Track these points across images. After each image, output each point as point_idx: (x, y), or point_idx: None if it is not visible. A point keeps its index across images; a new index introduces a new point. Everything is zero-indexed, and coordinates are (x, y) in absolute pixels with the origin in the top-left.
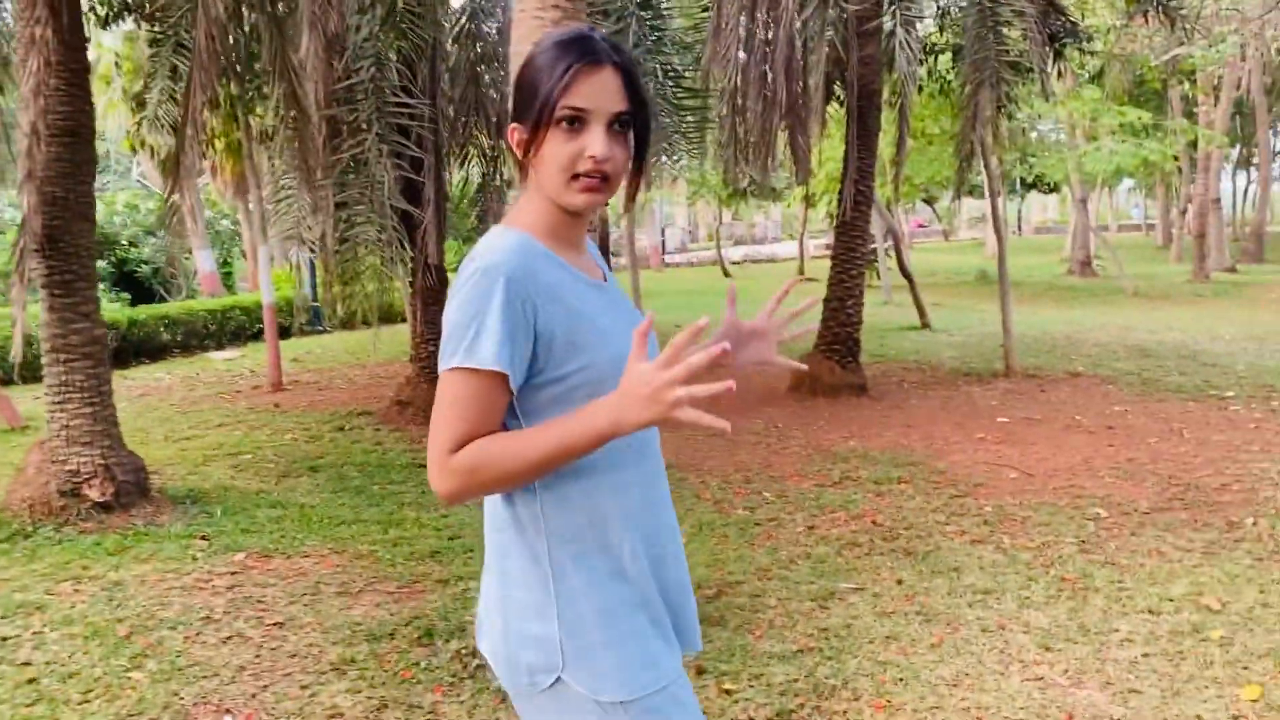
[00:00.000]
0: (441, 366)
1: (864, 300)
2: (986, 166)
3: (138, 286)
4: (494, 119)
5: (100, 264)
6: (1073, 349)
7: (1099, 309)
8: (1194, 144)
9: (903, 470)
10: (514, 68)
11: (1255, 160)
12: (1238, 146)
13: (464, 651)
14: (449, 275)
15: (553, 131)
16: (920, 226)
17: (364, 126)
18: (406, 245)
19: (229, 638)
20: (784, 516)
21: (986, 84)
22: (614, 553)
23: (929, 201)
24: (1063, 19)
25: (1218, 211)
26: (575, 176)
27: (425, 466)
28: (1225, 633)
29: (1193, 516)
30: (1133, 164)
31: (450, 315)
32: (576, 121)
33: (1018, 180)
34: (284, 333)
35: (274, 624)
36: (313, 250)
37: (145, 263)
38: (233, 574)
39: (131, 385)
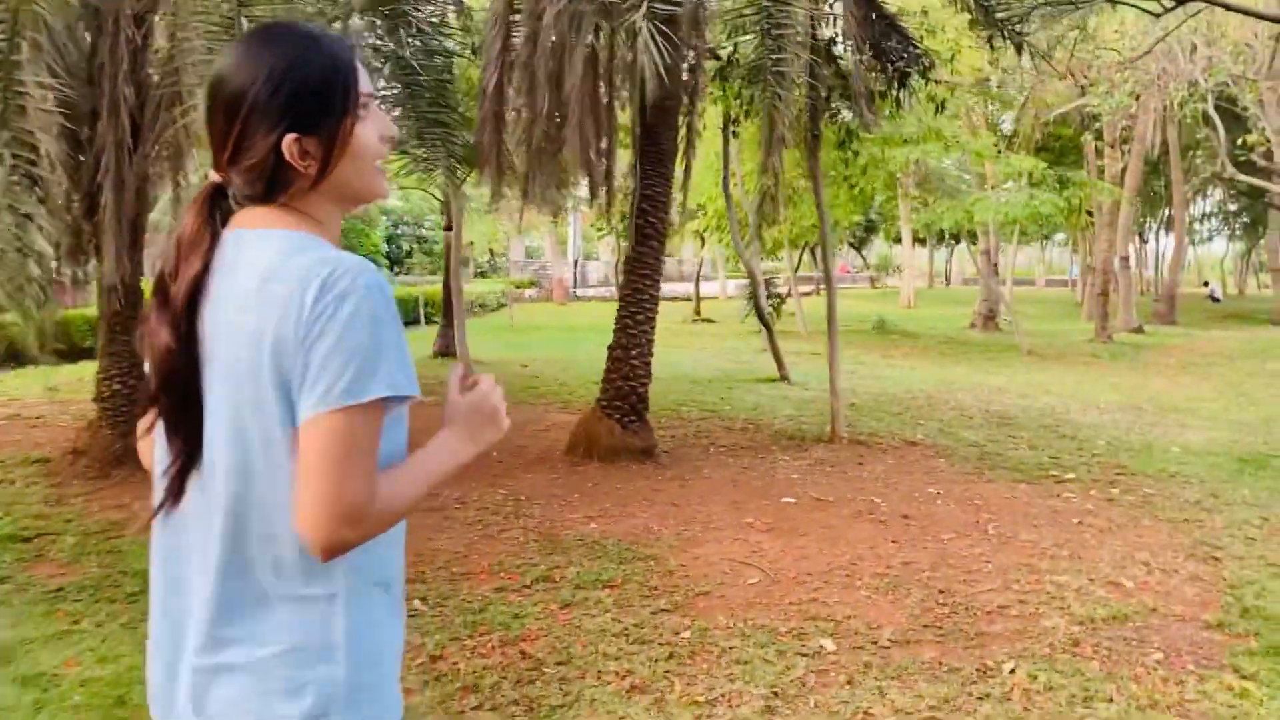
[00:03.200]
0: (336, 402)
1: (653, 351)
2: (819, 205)
3: None
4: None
5: None
6: (927, 412)
7: (984, 367)
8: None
9: (624, 569)
10: None
11: None
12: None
13: None
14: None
15: (358, 125)
16: (846, 272)
17: None
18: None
19: None
20: (416, 638)
21: (782, 106)
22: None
23: (855, 246)
24: (902, 40)
25: (1125, 270)
26: (378, 163)
27: None
28: None
29: (941, 654)
30: (1024, 215)
31: (345, 341)
32: (365, 113)
33: (943, 229)
34: (87, 354)
35: None
36: None
37: None
38: None
39: None
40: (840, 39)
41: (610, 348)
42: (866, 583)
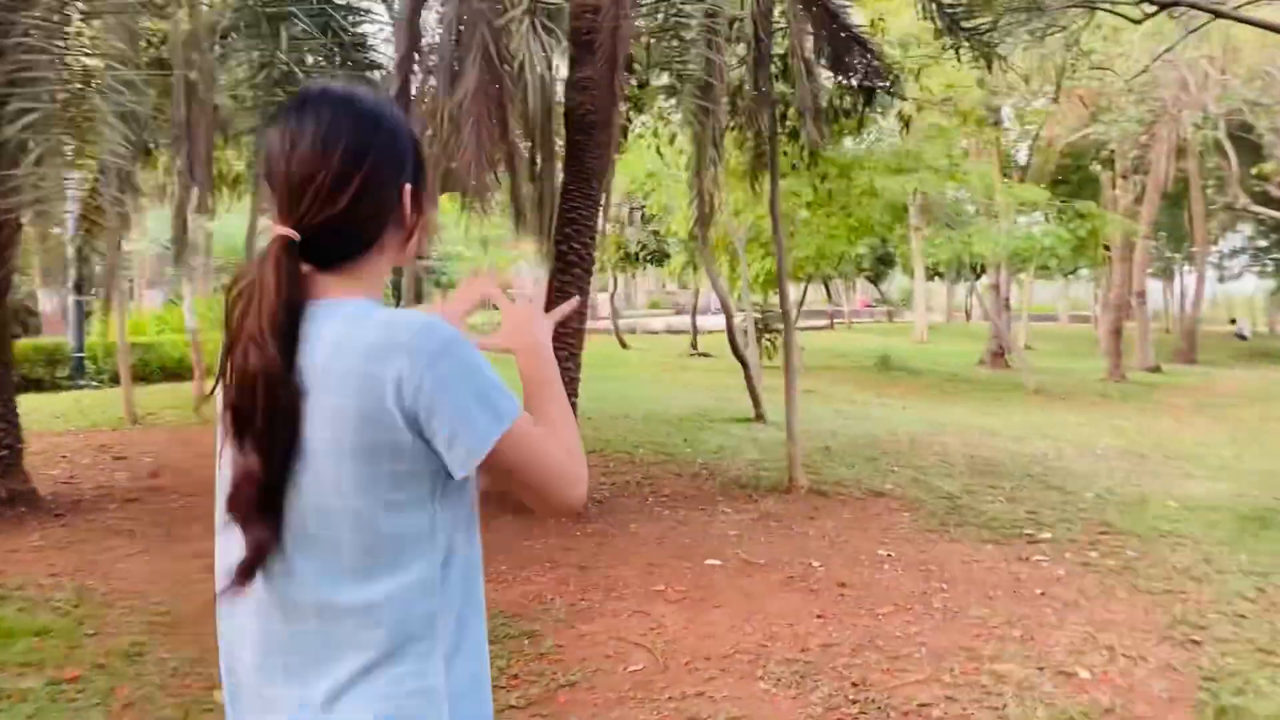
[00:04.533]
0: (499, 428)
1: (577, 390)
2: (776, 232)
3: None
4: None
5: None
6: (906, 457)
7: (983, 407)
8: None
9: (491, 649)
10: None
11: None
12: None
13: None
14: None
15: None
16: (865, 306)
17: None
18: None
19: None
20: None
21: (709, 120)
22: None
23: (872, 279)
24: (864, 53)
25: (1142, 306)
26: None
27: None
28: None
29: None
30: (1023, 247)
31: (471, 387)
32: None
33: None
34: (37, 386)
35: None
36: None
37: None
38: None
39: None
40: (793, 52)
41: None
42: (771, 671)
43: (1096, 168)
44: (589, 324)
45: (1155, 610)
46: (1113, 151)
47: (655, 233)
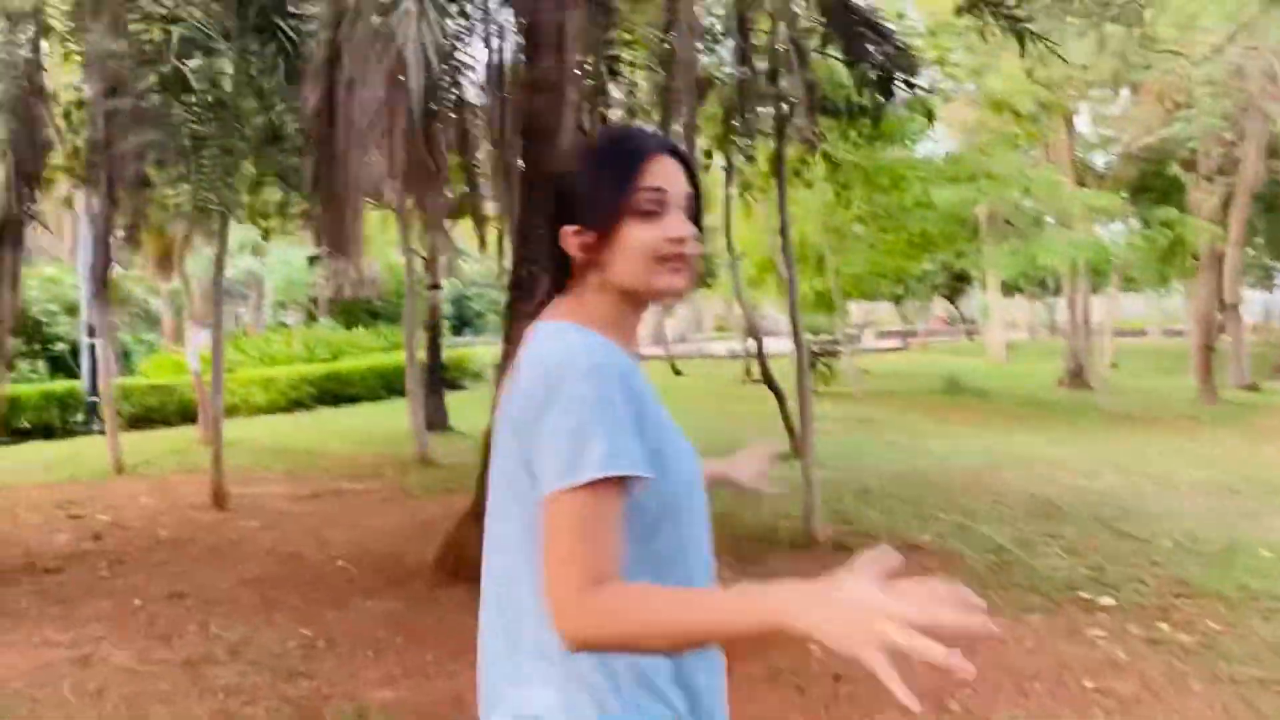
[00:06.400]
0: (560, 483)
1: None
2: (785, 250)
3: (58, 362)
4: None
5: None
6: (954, 499)
7: (1053, 434)
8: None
9: None
10: None
11: None
12: None
13: None
14: None
15: (631, 221)
16: (944, 324)
17: None
18: None
19: None
20: None
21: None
22: None
23: (948, 296)
24: (877, 39)
25: (1235, 319)
26: (661, 261)
27: None
28: None
29: None
30: (1097, 258)
31: (560, 423)
32: (653, 208)
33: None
34: (48, 432)
35: None
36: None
37: (59, 339)
38: None
39: None
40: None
41: (488, 433)
42: None
43: (1178, 170)
44: (649, 349)
45: (1238, 707)
46: (1193, 151)
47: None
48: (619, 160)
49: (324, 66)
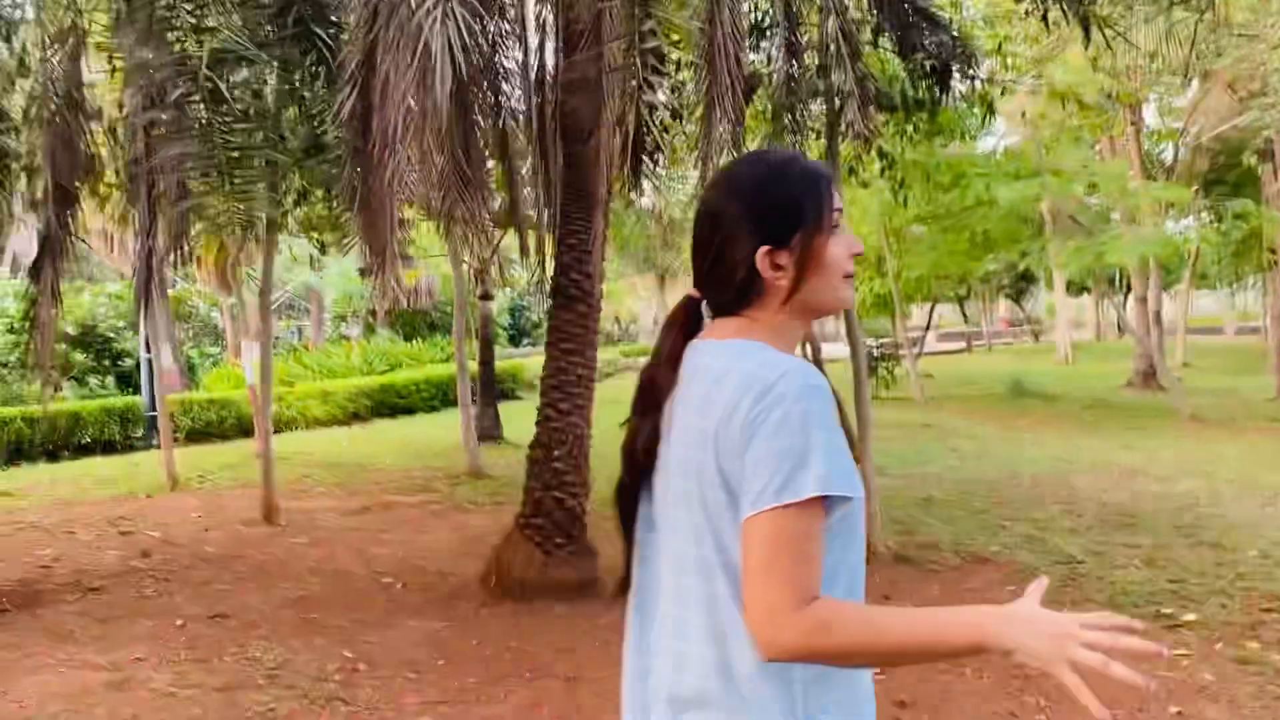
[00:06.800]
0: (775, 501)
1: (587, 449)
2: None
3: (126, 378)
4: None
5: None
6: (1023, 507)
7: (1124, 438)
8: None
9: None
10: None
11: None
12: None
13: None
14: None
15: (830, 240)
16: (1009, 326)
17: None
18: None
19: None
20: None
21: (724, 104)
22: None
23: (1013, 296)
24: (932, 29)
25: None
26: (847, 277)
27: None
28: None
29: None
30: (1166, 254)
31: (777, 443)
32: (838, 227)
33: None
34: (109, 447)
35: None
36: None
37: (128, 354)
38: None
39: None
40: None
41: (530, 447)
42: None
43: (1253, 160)
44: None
45: None
46: (1269, 141)
47: None
48: (812, 184)
49: (357, 71)
